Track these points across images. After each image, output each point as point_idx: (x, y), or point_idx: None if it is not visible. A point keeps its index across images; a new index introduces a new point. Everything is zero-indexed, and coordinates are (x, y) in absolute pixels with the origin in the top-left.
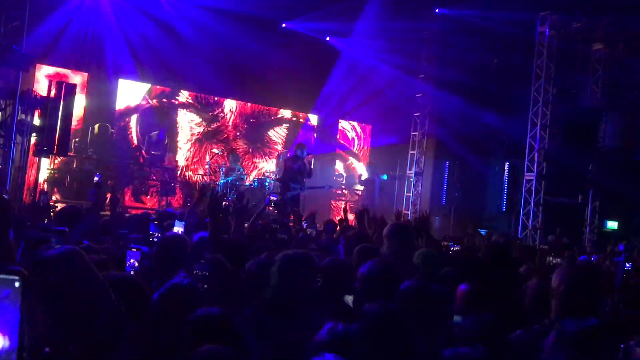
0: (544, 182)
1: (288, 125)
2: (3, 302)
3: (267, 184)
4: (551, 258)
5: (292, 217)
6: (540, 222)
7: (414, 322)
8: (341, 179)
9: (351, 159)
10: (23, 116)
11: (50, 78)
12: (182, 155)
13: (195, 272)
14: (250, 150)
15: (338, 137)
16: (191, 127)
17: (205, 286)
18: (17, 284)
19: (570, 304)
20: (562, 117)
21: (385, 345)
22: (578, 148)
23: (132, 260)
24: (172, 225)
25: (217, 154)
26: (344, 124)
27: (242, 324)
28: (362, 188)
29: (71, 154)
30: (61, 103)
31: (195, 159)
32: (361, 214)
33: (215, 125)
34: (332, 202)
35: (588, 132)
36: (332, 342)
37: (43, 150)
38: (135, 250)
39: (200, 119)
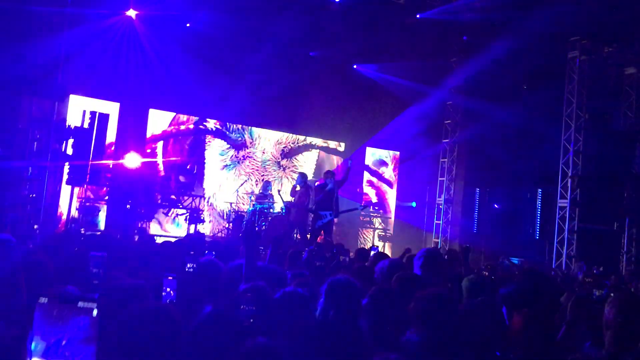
0: (578, 209)
1: (318, 150)
2: (86, 331)
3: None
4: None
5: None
6: (574, 250)
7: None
8: (376, 207)
9: (382, 185)
10: (57, 145)
11: (84, 108)
12: (211, 182)
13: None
14: (280, 176)
15: (370, 164)
16: (220, 154)
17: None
18: (95, 312)
19: (625, 335)
20: (595, 143)
21: None
22: (612, 174)
23: (168, 289)
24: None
25: (246, 180)
26: (372, 151)
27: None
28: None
29: (103, 183)
30: (94, 133)
31: (224, 186)
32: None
33: (244, 151)
34: (361, 230)
35: (622, 158)
36: None
37: (75, 179)
38: (171, 278)
39: (229, 145)
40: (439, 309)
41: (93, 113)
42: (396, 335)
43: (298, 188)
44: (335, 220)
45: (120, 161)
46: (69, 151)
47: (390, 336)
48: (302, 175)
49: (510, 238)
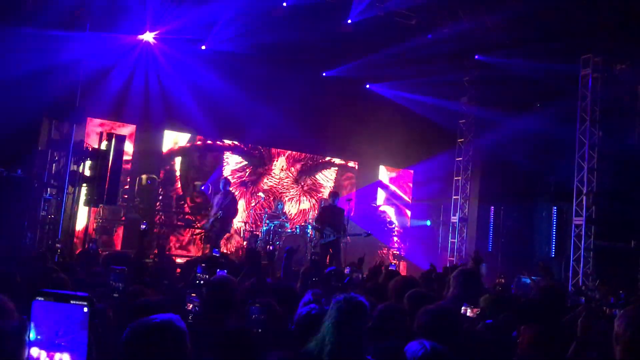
0: (594, 227)
1: (337, 169)
2: (75, 327)
3: (308, 230)
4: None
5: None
6: (591, 267)
7: None
8: (392, 225)
9: (399, 204)
10: (75, 167)
11: (101, 130)
12: None
13: (252, 316)
14: (297, 194)
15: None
16: (236, 170)
17: (260, 330)
18: (85, 309)
19: (635, 349)
20: (611, 159)
21: None
22: (629, 190)
23: (190, 306)
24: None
25: (262, 199)
26: (386, 169)
27: None
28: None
29: (120, 203)
30: (111, 154)
31: (240, 204)
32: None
33: (261, 169)
34: (379, 251)
35: (638, 174)
36: None
37: (93, 199)
38: (193, 295)
39: (246, 162)
40: (443, 323)
41: (110, 135)
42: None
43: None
44: (347, 239)
45: (137, 182)
46: (87, 172)
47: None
48: (332, 195)
49: (525, 256)
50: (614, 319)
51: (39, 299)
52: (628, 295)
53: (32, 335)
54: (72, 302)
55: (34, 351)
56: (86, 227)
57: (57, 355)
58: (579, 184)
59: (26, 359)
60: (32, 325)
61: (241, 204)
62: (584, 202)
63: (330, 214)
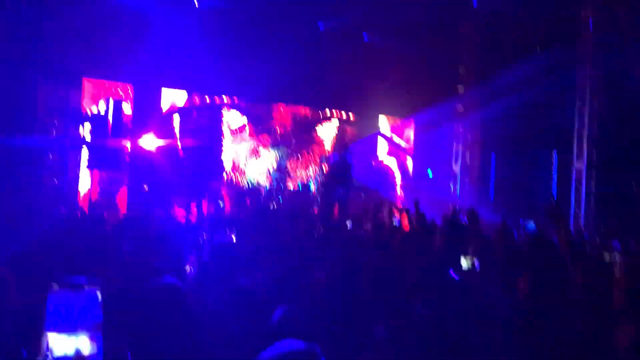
0: (595, 171)
1: (338, 124)
2: (90, 311)
3: (311, 186)
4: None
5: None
6: (592, 213)
7: None
8: (394, 178)
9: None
10: (75, 131)
11: (98, 92)
12: (228, 156)
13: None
14: (299, 150)
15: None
16: (236, 131)
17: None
18: (98, 294)
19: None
20: (611, 103)
21: None
22: (630, 134)
23: (189, 268)
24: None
25: (263, 154)
26: (387, 119)
27: None
28: None
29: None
30: (110, 117)
31: (241, 161)
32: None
33: (261, 125)
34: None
35: (638, 117)
36: None
37: (95, 163)
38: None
39: (246, 118)
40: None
41: (107, 99)
42: None
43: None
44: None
45: (138, 143)
46: (87, 136)
47: None
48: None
49: (528, 203)
50: (612, 264)
51: (54, 286)
52: (627, 239)
53: (50, 320)
54: (86, 287)
55: (52, 336)
56: (89, 191)
57: (74, 338)
58: (579, 128)
59: (45, 344)
60: (49, 311)
61: (247, 162)
62: (585, 147)
63: (340, 169)
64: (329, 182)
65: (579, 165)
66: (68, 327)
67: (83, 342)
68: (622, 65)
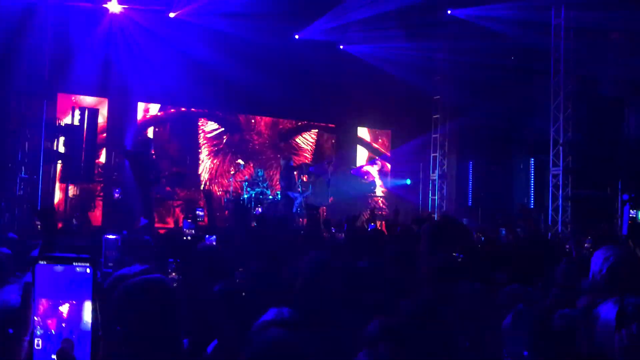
0: (571, 176)
1: (317, 130)
2: (82, 287)
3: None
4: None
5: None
6: (569, 216)
7: None
8: (373, 187)
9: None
10: (48, 144)
11: (72, 105)
12: (206, 167)
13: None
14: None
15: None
16: (213, 138)
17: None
18: (88, 270)
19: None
20: (585, 109)
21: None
22: (603, 139)
23: (172, 274)
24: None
25: (242, 166)
26: (364, 130)
27: None
28: None
29: (96, 178)
30: (85, 129)
31: (218, 172)
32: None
33: (238, 135)
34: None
35: (612, 122)
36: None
37: (69, 177)
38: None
39: (222, 128)
40: None
41: (82, 109)
42: None
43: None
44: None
45: (113, 156)
46: (61, 149)
47: None
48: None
49: (507, 209)
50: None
51: (42, 262)
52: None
53: (37, 292)
54: (74, 263)
55: (40, 304)
56: (65, 205)
57: (65, 308)
58: (555, 135)
59: (32, 313)
60: (35, 288)
61: (223, 172)
62: (561, 152)
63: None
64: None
65: (555, 170)
66: (55, 295)
67: (72, 311)
68: (595, 71)
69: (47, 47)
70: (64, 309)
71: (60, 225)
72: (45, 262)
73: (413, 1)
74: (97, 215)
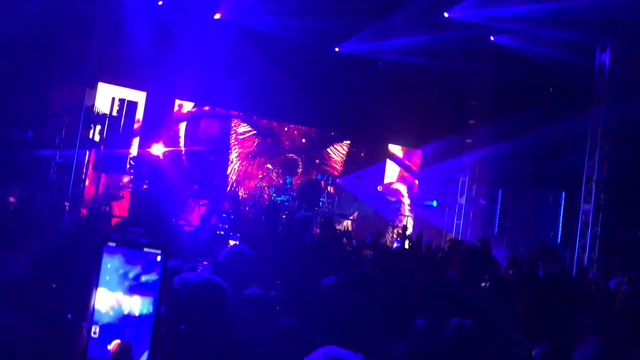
0: (602, 215)
1: (349, 142)
2: (147, 273)
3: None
4: None
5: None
6: (596, 255)
7: None
8: (398, 205)
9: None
10: (85, 132)
11: (113, 96)
12: (234, 169)
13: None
14: (305, 167)
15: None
16: (244, 140)
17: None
18: (159, 258)
19: None
20: (622, 148)
21: None
22: (637, 179)
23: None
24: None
25: (270, 171)
26: (396, 148)
27: None
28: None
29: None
30: (122, 120)
31: (247, 175)
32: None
33: (270, 139)
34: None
35: None
36: None
37: (102, 166)
38: (206, 263)
39: (254, 131)
40: None
41: (122, 100)
42: None
43: None
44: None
45: (146, 150)
46: (97, 138)
47: None
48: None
49: (533, 242)
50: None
51: (110, 244)
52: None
53: (101, 278)
54: (145, 249)
55: (102, 292)
56: (95, 193)
57: (127, 299)
58: (589, 171)
59: (93, 301)
60: (101, 269)
61: (252, 175)
62: (593, 190)
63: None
64: (296, 201)
65: (586, 207)
66: (119, 287)
67: (135, 302)
68: (634, 109)
69: (96, 37)
70: (128, 298)
71: (85, 212)
72: (114, 244)
73: (457, 26)
74: (124, 207)
